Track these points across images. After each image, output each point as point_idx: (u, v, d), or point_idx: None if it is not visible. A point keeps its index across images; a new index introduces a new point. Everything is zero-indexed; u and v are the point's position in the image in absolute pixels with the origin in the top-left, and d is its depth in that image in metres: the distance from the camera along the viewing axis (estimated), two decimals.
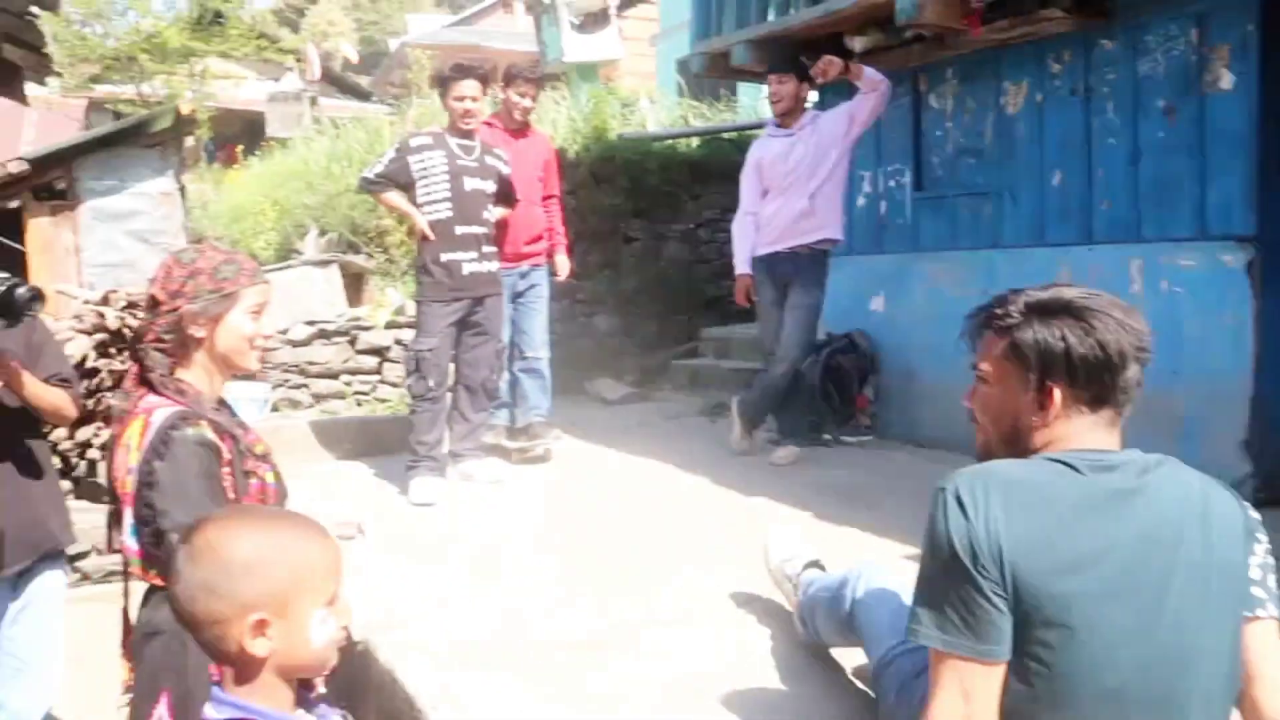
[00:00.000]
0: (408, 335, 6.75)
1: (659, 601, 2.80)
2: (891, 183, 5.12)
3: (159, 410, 1.71)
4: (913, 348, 4.90)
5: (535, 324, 4.72)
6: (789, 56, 4.57)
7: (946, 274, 4.75)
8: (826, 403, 5.06)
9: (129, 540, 1.72)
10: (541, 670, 2.32)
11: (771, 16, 4.96)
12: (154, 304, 1.78)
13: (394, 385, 6.90)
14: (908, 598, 2.06)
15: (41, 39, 4.27)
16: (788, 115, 4.51)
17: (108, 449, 1.80)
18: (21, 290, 2.33)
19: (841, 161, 4.46)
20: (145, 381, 1.76)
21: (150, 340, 1.77)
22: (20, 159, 7.62)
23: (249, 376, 4.36)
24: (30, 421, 2.58)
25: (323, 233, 8.62)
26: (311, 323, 6.92)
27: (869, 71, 4.32)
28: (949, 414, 4.61)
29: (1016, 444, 1.53)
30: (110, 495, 1.78)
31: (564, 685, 2.24)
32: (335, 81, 18.91)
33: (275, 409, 6.51)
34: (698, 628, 2.60)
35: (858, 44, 4.67)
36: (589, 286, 7.60)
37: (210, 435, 1.70)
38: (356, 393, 6.89)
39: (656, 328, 7.90)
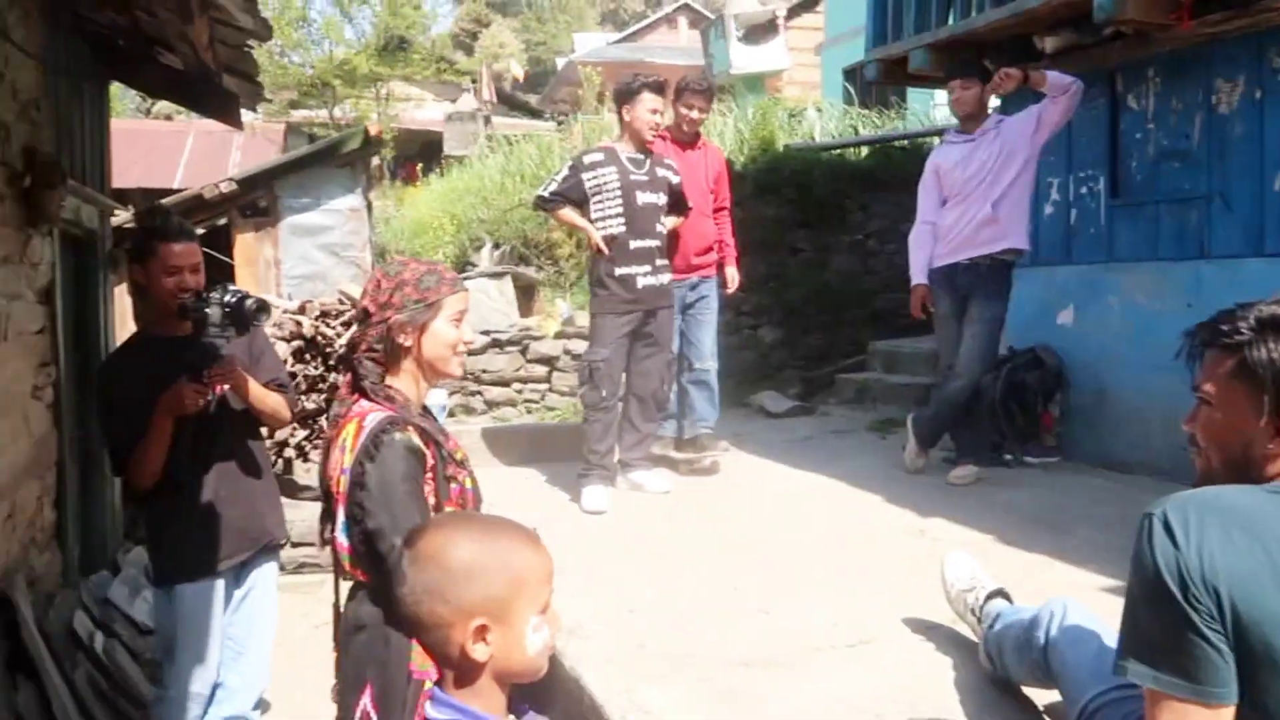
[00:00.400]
0: (576, 345, 6.94)
1: (834, 623, 2.72)
2: (1084, 189, 4.82)
3: (371, 414, 1.80)
4: (1105, 364, 4.60)
5: (704, 336, 4.71)
6: (971, 60, 4.38)
7: (1144, 286, 4.43)
8: (1008, 421, 4.81)
9: (341, 537, 1.81)
10: (723, 688, 2.29)
11: (954, 19, 4.76)
12: (365, 316, 1.87)
13: (562, 394, 7.09)
14: (1110, 639, 1.91)
15: (256, 69, 4.61)
16: (970, 120, 4.33)
17: (322, 450, 1.91)
18: (250, 302, 2.52)
19: (1028, 167, 4.23)
20: (358, 389, 1.86)
21: (363, 351, 1.87)
22: (230, 180, 8.31)
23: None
24: (251, 424, 2.78)
25: (496, 246, 8.96)
26: (486, 332, 7.20)
27: (1053, 76, 4.06)
28: (1146, 436, 4.32)
29: (1245, 472, 1.39)
30: (324, 494, 1.88)
31: (744, 705, 2.21)
32: (506, 100, 19.66)
33: (451, 414, 6.80)
34: (875, 653, 2.51)
35: (1048, 44, 4.42)
36: (753, 298, 7.55)
37: (416, 441, 1.78)
38: (526, 400, 7.11)
39: (822, 340, 7.76)
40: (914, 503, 3.99)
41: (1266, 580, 1.22)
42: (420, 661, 1.82)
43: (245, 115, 5.66)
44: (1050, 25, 4.38)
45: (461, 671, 1.23)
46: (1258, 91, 4.02)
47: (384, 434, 1.75)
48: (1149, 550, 1.30)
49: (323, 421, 6.44)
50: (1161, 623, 1.27)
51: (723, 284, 4.90)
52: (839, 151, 8.50)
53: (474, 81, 17.78)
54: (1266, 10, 3.69)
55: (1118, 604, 2.72)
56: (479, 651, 1.20)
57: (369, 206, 9.10)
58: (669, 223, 4.37)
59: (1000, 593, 2.41)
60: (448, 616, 1.20)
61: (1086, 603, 2.13)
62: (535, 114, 19.40)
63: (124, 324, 5.74)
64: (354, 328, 1.93)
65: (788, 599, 2.93)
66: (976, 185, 4.25)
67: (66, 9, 4.10)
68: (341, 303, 6.87)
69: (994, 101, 4.70)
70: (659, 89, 4.21)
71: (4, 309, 3.42)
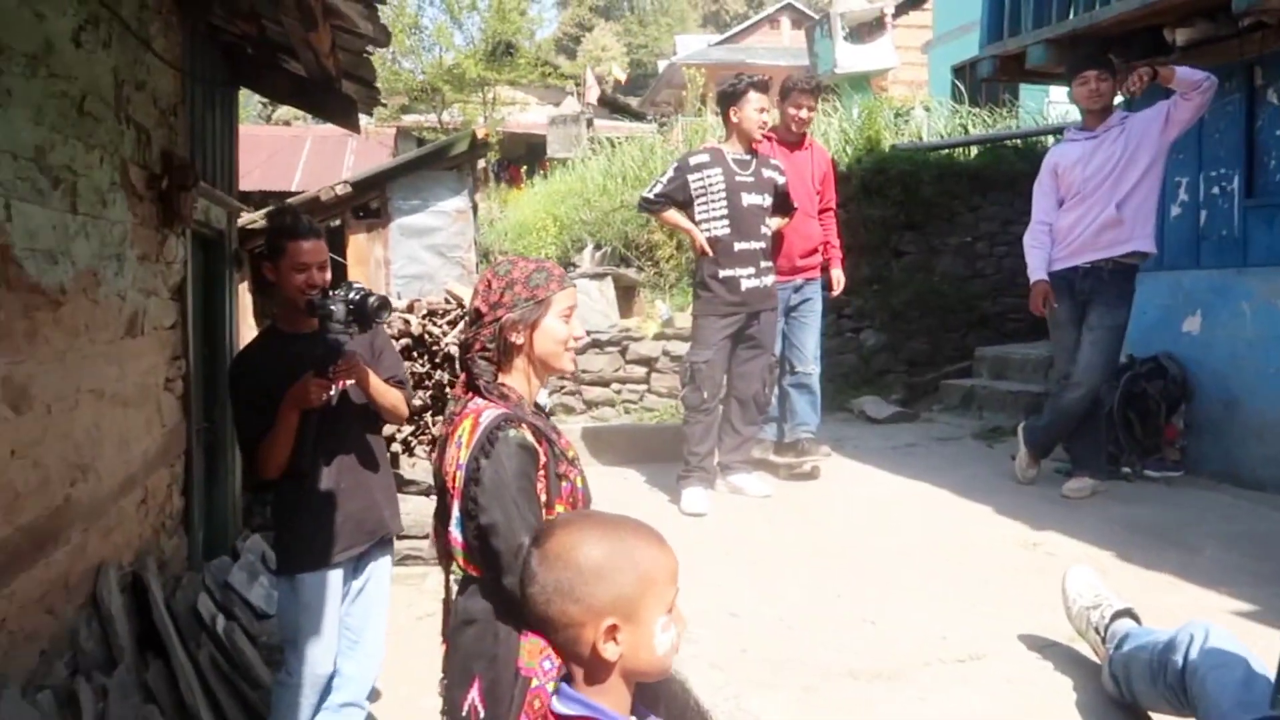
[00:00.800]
0: (675, 347, 6.93)
1: (943, 636, 2.65)
2: (1215, 189, 4.57)
3: (486, 411, 1.82)
4: (1236, 375, 4.35)
5: (807, 339, 4.65)
6: (1095, 54, 4.19)
7: None
8: (1127, 433, 4.59)
9: (455, 532, 1.84)
10: (830, 697, 2.26)
11: (1076, 12, 4.56)
12: (478, 316, 1.90)
13: (660, 395, 7.09)
14: (1258, 665, 1.80)
15: (374, 74, 4.77)
16: (1095, 116, 4.13)
17: (438, 447, 1.94)
18: (373, 300, 2.60)
19: (1155, 166, 4.02)
20: (472, 387, 1.89)
21: (477, 350, 1.90)
22: (344, 182, 8.61)
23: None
24: (371, 419, 2.87)
25: (598, 247, 9.03)
26: (586, 332, 7.25)
27: (1183, 71, 3.84)
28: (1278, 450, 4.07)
29: None
30: (439, 489, 1.92)
31: (852, 717, 2.17)
32: (608, 103, 19.83)
33: (550, 414, 6.88)
34: (989, 669, 2.43)
35: (1179, 36, 4.19)
36: (856, 301, 7.42)
37: (530, 439, 1.80)
38: (625, 401, 7.14)
39: (926, 345, 7.58)
40: (1026, 514, 3.85)
41: None
42: (528, 658, 1.83)
43: (363, 120, 5.86)
44: (1183, 17, 4.16)
45: (591, 670, 1.24)
46: None
47: (498, 431, 1.77)
48: None
49: (427, 418, 6.61)
50: None
51: (827, 286, 4.83)
52: (947, 151, 8.28)
53: (577, 85, 18.02)
54: None
55: (1253, 629, 2.58)
56: (609, 650, 1.21)
57: (475, 208, 9.29)
58: (774, 224, 4.33)
59: (1128, 612, 2.30)
60: (579, 616, 1.21)
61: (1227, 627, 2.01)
62: (637, 116, 19.51)
63: (244, 321, 6.00)
64: (464, 328, 1.95)
65: (893, 608, 2.87)
66: (1099, 184, 4.06)
67: (203, 20, 4.32)
68: (448, 302, 7.04)
69: (1116, 98, 4.50)
70: (765, 88, 4.18)
71: (141, 305, 3.62)
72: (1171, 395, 4.63)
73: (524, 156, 17.30)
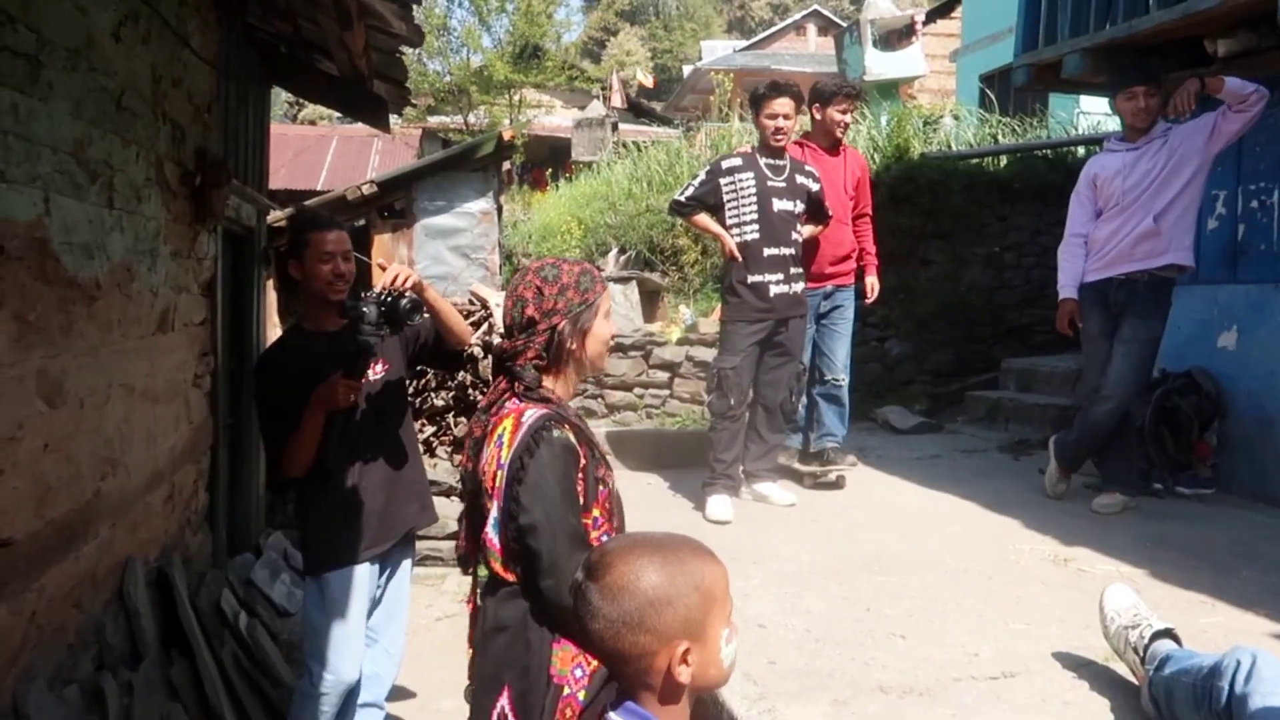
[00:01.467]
0: (699, 352, 6.91)
1: (974, 653, 2.61)
2: (1254, 203, 4.49)
3: (529, 411, 1.80)
4: (1272, 393, 4.27)
5: (838, 347, 4.61)
6: (1139, 65, 4.12)
7: None
8: (1159, 448, 4.53)
9: (492, 534, 1.81)
10: (860, 713, 2.22)
11: (1116, 22, 4.50)
12: (530, 323, 1.87)
13: (683, 400, 7.06)
14: None
15: (405, 74, 4.78)
16: (1137, 129, 4.07)
17: (471, 447, 1.92)
18: (404, 302, 2.58)
19: (1197, 179, 3.95)
20: (512, 390, 1.87)
21: (531, 358, 1.86)
22: (370, 182, 8.64)
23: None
24: (400, 414, 2.85)
25: (622, 251, 9.02)
26: (611, 336, 7.24)
27: (1233, 82, 3.75)
28: None
29: None
30: (471, 490, 1.90)
31: None
32: (634, 107, 19.84)
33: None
34: (1022, 687, 2.39)
35: (1221, 47, 4.12)
36: (881, 310, 7.36)
37: (573, 440, 1.78)
38: (647, 405, 7.12)
39: (952, 355, 7.51)
40: (1056, 529, 3.80)
41: None
42: (561, 665, 1.81)
43: (393, 120, 5.87)
44: (1226, 27, 4.10)
45: (665, 692, 1.23)
46: None
47: (544, 430, 1.75)
48: None
49: (450, 419, 6.61)
50: None
51: (861, 293, 4.79)
52: (976, 161, 8.21)
53: (603, 88, 18.07)
54: None
55: None
56: (684, 674, 1.20)
57: (499, 210, 9.29)
58: (806, 231, 4.30)
59: (1169, 633, 2.26)
60: (651, 645, 1.20)
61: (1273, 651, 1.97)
62: (662, 121, 19.52)
63: (268, 319, 6.03)
64: (510, 334, 1.92)
65: (923, 623, 2.83)
66: (1138, 196, 4.00)
67: (240, 18, 4.33)
68: (471, 303, 7.04)
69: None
70: (789, 93, 4.15)
71: (172, 300, 3.63)
72: (1205, 411, 4.56)
73: (549, 159, 17.33)
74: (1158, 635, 2.27)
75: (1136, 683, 2.28)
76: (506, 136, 8.90)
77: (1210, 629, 2.76)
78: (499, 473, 1.78)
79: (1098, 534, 3.73)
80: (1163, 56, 4.20)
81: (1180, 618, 2.67)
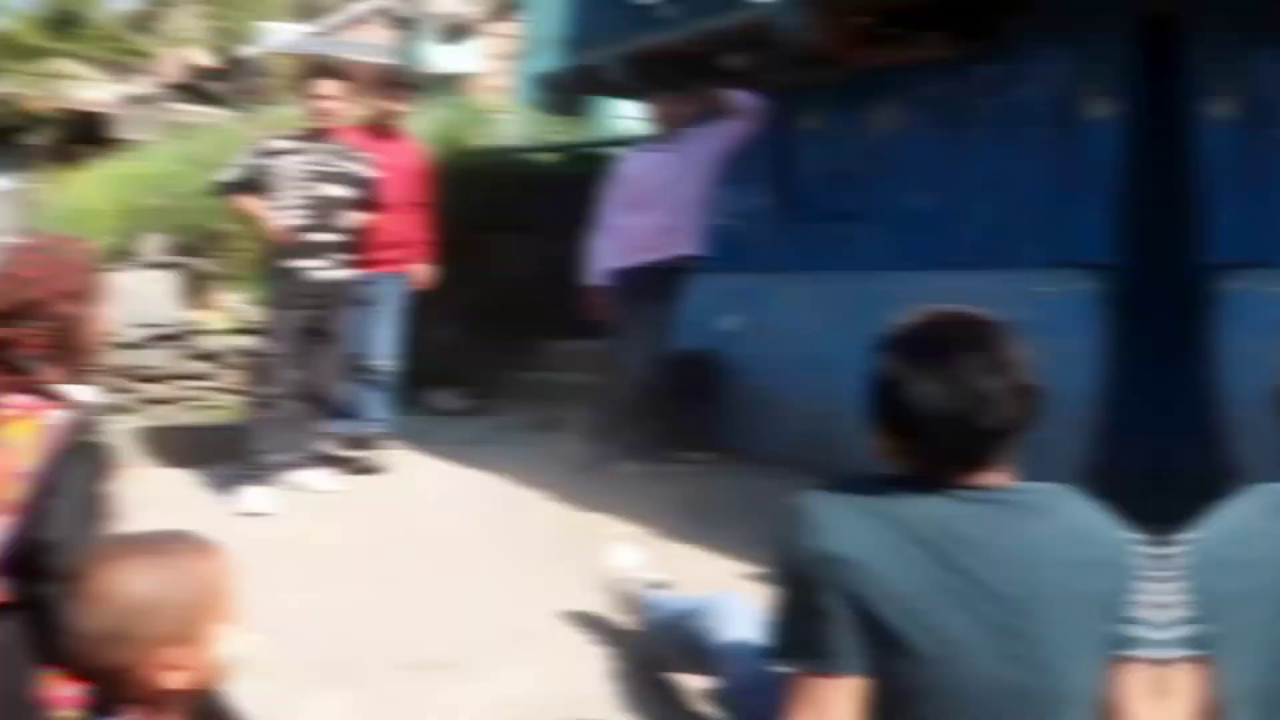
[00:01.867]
0: (245, 341, 6.45)
1: (493, 620, 2.75)
2: (753, 202, 5.24)
3: (51, 411, 1.63)
4: (766, 368, 5.00)
5: (382, 334, 4.62)
6: (669, 75, 4.64)
7: (806, 295, 4.84)
8: (673, 420, 5.12)
9: None
10: (382, 693, 2.25)
11: (646, 34, 4.94)
12: (32, 307, 1.66)
13: (227, 392, 6.56)
14: (764, 625, 2.08)
15: None
16: (667, 132, 4.60)
17: None
18: None
19: (709, 178, 4.55)
20: (15, 385, 1.65)
21: (38, 346, 1.67)
22: None
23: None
24: None
25: (166, 235, 8.14)
26: (145, 325, 6.48)
27: (740, 96, 4.42)
28: (799, 434, 4.76)
29: None
30: None
31: (406, 710, 2.18)
32: (190, 87, 18.02)
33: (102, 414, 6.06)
34: (537, 649, 2.58)
35: (732, 64, 4.76)
36: (432, 297, 7.43)
37: (110, 446, 1.68)
38: (187, 399, 6.51)
39: (500, 341, 7.78)
40: (580, 498, 4.10)
41: (892, 567, 1.29)
42: (50, 686, 1.62)
43: None
44: (735, 47, 4.68)
45: (154, 703, 1.12)
46: (913, 119, 4.50)
47: (79, 437, 1.61)
48: (791, 539, 1.38)
49: None
50: (800, 607, 1.35)
51: (411, 281, 4.82)
52: (527, 155, 8.61)
53: (154, 64, 16.12)
54: (926, 45, 4.14)
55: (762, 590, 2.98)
56: (174, 680, 1.10)
57: (24, 189, 7.91)
58: (354, 218, 4.23)
59: (661, 584, 2.56)
60: (135, 657, 1.08)
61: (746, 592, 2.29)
62: (221, 102, 17.91)
63: None
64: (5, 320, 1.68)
65: (452, 598, 2.93)
66: (660, 193, 4.51)
67: None
68: None
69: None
70: (333, 75, 4.11)
71: None
72: (712, 386, 5.24)
73: (87, 136, 15.07)
74: (654, 586, 2.57)
75: (639, 632, 2.56)
76: (32, 108, 7.56)
77: (703, 577, 3.15)
78: (12, 483, 1.57)
79: (617, 500, 4.09)
80: (688, 69, 4.73)
81: (677, 569, 3.04)
